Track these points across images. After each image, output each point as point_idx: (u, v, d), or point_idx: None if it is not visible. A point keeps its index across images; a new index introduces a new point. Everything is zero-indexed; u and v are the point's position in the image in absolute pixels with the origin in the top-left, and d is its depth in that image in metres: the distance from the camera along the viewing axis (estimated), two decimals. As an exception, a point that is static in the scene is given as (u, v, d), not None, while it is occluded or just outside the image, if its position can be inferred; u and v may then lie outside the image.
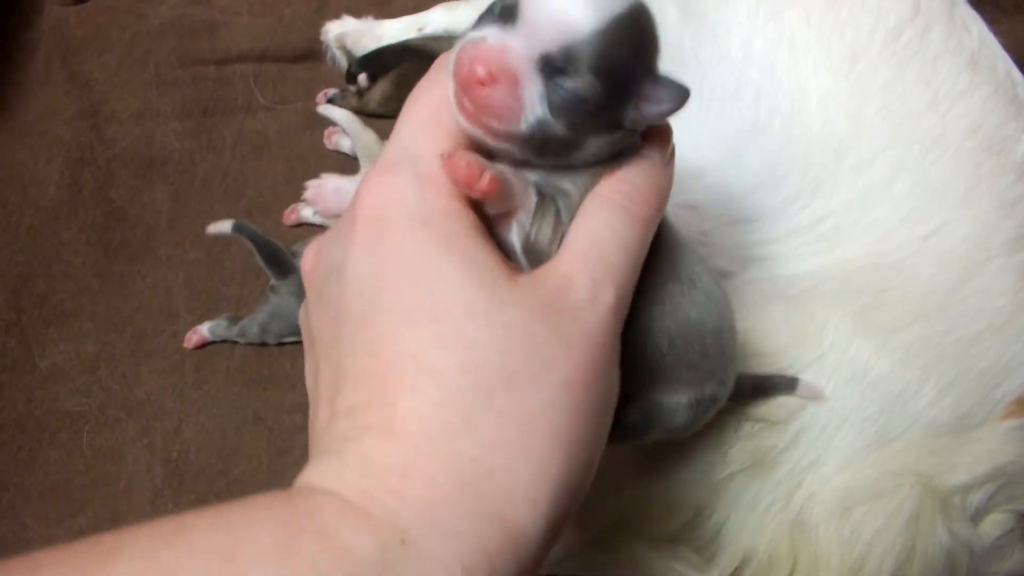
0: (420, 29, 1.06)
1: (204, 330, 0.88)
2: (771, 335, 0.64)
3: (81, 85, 1.06)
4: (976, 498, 0.62)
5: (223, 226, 0.86)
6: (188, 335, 0.88)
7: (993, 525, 0.63)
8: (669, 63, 0.79)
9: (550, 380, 0.34)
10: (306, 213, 0.96)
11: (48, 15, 1.11)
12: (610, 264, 0.38)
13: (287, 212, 0.97)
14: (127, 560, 0.29)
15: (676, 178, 0.75)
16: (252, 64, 1.08)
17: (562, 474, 0.33)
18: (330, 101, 1.06)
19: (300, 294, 0.85)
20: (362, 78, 1.06)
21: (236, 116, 1.05)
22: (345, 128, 0.96)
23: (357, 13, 1.11)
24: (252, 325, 0.87)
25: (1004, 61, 0.73)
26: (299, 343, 0.88)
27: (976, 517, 0.63)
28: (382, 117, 1.04)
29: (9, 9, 1.13)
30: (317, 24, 1.11)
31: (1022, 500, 0.64)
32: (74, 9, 1.11)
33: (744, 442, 0.63)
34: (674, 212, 0.75)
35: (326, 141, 1.02)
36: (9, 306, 0.91)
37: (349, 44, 1.08)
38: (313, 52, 1.10)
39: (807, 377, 0.63)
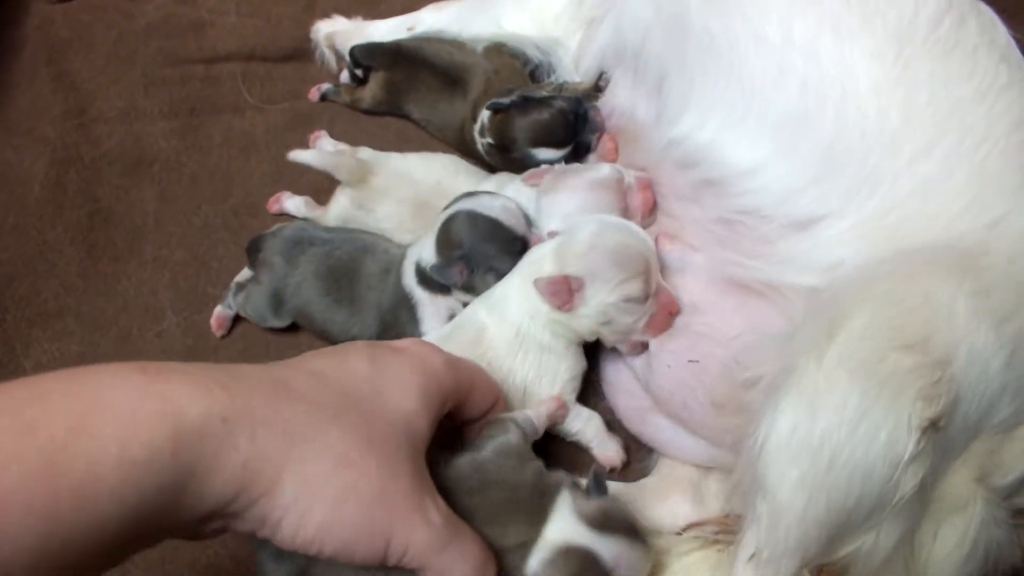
0: (409, 29, 1.06)
1: (217, 309, 0.89)
2: (908, 322, 0.59)
3: (67, 84, 1.05)
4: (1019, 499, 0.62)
5: None
6: (215, 320, 0.89)
7: None
8: (696, 51, 0.75)
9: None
10: (288, 205, 0.96)
11: (34, 14, 1.10)
12: None
13: (271, 201, 0.96)
14: None
15: (724, 182, 0.73)
16: (240, 64, 1.08)
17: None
18: (323, 96, 1.06)
19: (286, 253, 0.84)
20: (343, 76, 1.06)
21: (224, 116, 1.05)
22: (316, 165, 0.91)
23: (346, 13, 1.11)
24: (248, 303, 0.87)
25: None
26: (272, 332, 0.88)
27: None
28: (372, 114, 1.05)
29: (-5, 8, 1.13)
30: (305, 24, 1.10)
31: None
32: (60, 8, 1.10)
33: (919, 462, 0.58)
34: (734, 218, 0.74)
35: (312, 146, 1.01)
36: (-7, 306, 0.90)
37: (338, 44, 1.08)
38: (301, 52, 1.10)
39: (955, 369, 0.57)
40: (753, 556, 0.60)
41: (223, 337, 0.89)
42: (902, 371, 0.56)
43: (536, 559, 0.59)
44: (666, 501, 0.76)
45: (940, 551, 0.60)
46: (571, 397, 0.77)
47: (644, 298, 0.72)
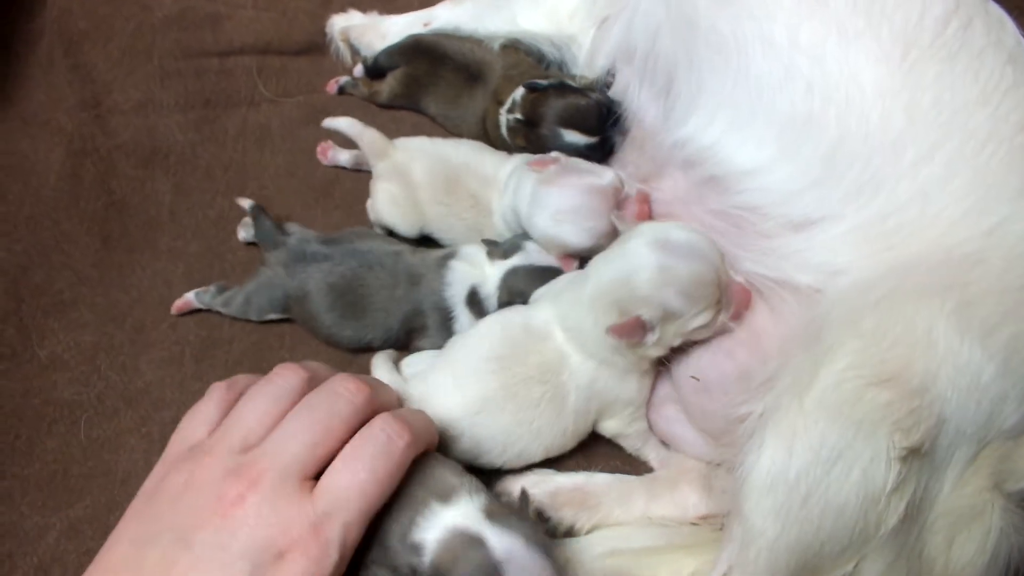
0: (426, 24, 1.06)
1: (190, 296, 0.89)
2: (888, 357, 0.60)
3: (83, 76, 1.05)
4: None
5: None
6: (175, 303, 0.90)
7: None
8: (705, 51, 0.76)
9: None
10: (340, 157, 0.98)
11: (51, 5, 1.10)
12: None
13: (321, 148, 1.00)
14: None
15: (726, 180, 0.74)
16: (255, 57, 1.08)
17: None
18: (341, 89, 1.06)
19: (289, 266, 0.85)
20: (358, 70, 1.06)
21: (239, 108, 1.05)
22: (349, 133, 0.94)
23: (362, 8, 1.11)
24: (238, 295, 0.87)
25: None
26: (287, 323, 0.89)
27: None
28: (390, 108, 1.05)
29: (12, -1, 1.13)
30: (320, 18, 1.11)
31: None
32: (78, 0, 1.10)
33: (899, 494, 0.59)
34: (733, 212, 0.74)
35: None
36: (8, 295, 0.90)
37: (353, 38, 1.08)
38: (316, 46, 1.11)
39: (935, 392, 0.58)
40: (725, 574, 0.63)
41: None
42: (878, 407, 0.58)
43: (423, 535, 0.59)
44: (675, 492, 0.77)
45: (959, 561, 0.60)
46: (643, 412, 0.79)
47: (718, 313, 0.72)
